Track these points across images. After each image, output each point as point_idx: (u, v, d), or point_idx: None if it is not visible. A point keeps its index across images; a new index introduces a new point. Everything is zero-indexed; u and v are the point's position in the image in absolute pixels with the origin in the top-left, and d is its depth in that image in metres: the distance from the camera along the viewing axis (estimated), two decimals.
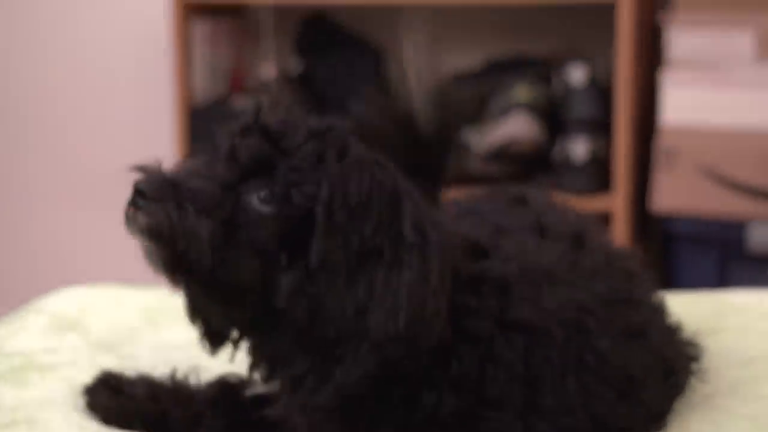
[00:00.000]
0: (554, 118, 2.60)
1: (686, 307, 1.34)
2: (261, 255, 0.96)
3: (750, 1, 2.40)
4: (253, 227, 0.96)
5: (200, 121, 2.74)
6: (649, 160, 2.57)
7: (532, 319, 1.00)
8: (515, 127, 2.56)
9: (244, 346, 1.05)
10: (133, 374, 1.15)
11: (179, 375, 1.15)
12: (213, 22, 2.83)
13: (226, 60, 2.90)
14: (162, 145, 3.02)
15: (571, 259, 1.07)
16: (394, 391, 0.98)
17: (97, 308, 1.45)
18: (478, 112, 2.66)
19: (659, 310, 1.16)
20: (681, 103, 2.43)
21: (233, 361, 1.07)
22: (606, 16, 2.57)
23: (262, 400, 1.09)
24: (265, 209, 0.96)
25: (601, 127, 2.55)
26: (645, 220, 2.61)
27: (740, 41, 2.39)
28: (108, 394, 1.13)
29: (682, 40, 2.42)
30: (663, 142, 2.44)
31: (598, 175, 2.54)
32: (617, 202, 2.51)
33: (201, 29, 2.79)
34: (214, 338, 1.07)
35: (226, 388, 1.13)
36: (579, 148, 2.54)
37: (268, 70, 2.81)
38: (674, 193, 2.44)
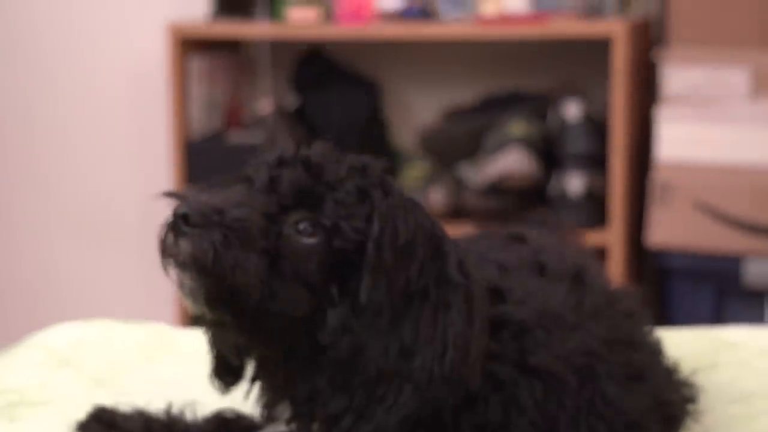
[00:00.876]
0: (550, 153, 2.61)
1: (682, 344, 1.34)
2: (308, 288, 0.94)
3: (744, 38, 2.42)
4: (298, 259, 0.94)
5: (197, 156, 2.74)
6: (644, 196, 2.58)
7: (549, 365, 1.00)
8: (511, 162, 2.57)
9: (254, 383, 1.04)
10: (128, 409, 1.14)
11: (175, 410, 1.14)
12: (210, 58, 2.84)
13: (223, 95, 2.91)
14: (158, 179, 3.02)
15: (574, 301, 1.07)
16: None
17: (91, 343, 1.44)
18: (474, 147, 2.67)
19: (657, 351, 1.17)
20: (676, 139, 2.44)
21: (246, 399, 1.06)
22: (601, 53, 2.59)
23: None
24: (309, 241, 0.94)
25: (596, 162, 2.56)
26: (640, 255, 2.62)
27: (734, 78, 2.40)
28: (101, 429, 1.12)
29: (676, 77, 2.44)
30: (658, 178, 2.45)
31: (594, 210, 2.55)
32: (613, 237, 2.51)
33: (198, 64, 2.80)
34: (228, 375, 1.06)
35: (222, 423, 1.13)
36: (574, 183, 2.54)
37: (264, 105, 2.82)
38: (669, 229, 2.44)
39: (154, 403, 1.16)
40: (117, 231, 3.15)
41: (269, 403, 1.02)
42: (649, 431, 1.07)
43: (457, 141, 2.70)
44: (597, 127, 2.58)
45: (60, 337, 1.45)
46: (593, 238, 2.51)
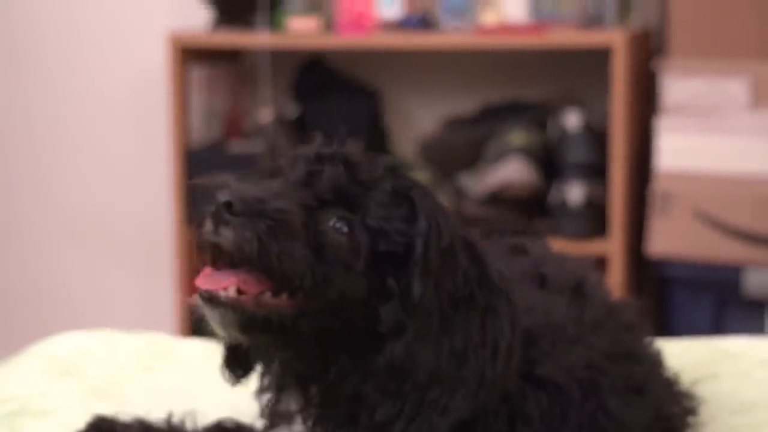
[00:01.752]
0: (550, 162, 2.61)
1: (682, 354, 1.34)
2: (357, 276, 0.93)
3: (744, 48, 2.42)
4: (340, 252, 0.93)
5: (197, 165, 2.74)
6: (644, 205, 2.58)
7: (555, 377, 1.00)
8: (511, 171, 2.57)
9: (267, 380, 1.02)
10: (128, 419, 1.14)
11: (175, 419, 1.14)
12: (210, 67, 2.85)
13: (223, 104, 2.91)
14: (159, 188, 3.02)
15: (575, 313, 1.08)
16: None
17: (92, 353, 1.44)
18: (474, 157, 2.67)
19: (657, 363, 1.17)
20: (675, 149, 2.44)
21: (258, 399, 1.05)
22: (601, 62, 2.59)
23: None
24: (348, 237, 0.93)
25: (596, 172, 2.56)
26: (640, 265, 2.62)
27: (734, 88, 2.41)
28: None
29: (676, 87, 2.44)
30: (658, 187, 2.45)
31: (594, 219, 2.55)
32: (613, 247, 2.51)
33: (198, 74, 2.80)
34: (239, 368, 1.04)
35: None
36: (574, 192, 2.55)
37: (264, 114, 2.83)
38: (669, 238, 2.44)
39: (155, 412, 1.16)
40: (118, 240, 3.15)
41: (304, 407, 0.99)
42: None
43: (457, 150, 2.70)
44: (597, 136, 2.58)
45: (61, 347, 1.45)
46: (593, 247, 2.51)
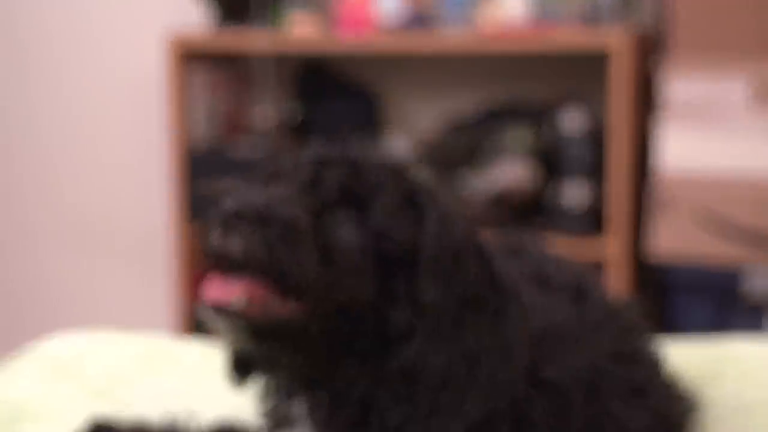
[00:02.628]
0: (549, 163, 2.61)
1: (683, 355, 1.33)
2: (366, 280, 0.93)
3: (744, 48, 2.42)
4: (347, 255, 0.93)
5: (197, 167, 2.74)
6: (644, 206, 2.58)
7: (559, 380, 1.00)
8: (511, 172, 2.57)
9: (263, 388, 1.02)
10: (128, 420, 1.14)
11: (174, 420, 1.14)
12: (210, 70, 2.85)
13: (224, 105, 2.91)
14: (159, 190, 3.02)
15: (577, 315, 1.07)
16: None
17: (91, 354, 1.44)
18: (474, 159, 2.67)
19: (658, 365, 1.16)
20: (676, 149, 2.44)
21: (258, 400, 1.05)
22: (601, 63, 2.59)
23: None
24: (355, 240, 0.93)
25: (596, 173, 2.56)
26: (641, 266, 2.61)
27: (734, 88, 2.40)
28: None
29: (676, 87, 2.44)
30: (658, 188, 2.45)
31: (594, 221, 2.55)
32: (613, 248, 2.51)
33: (199, 76, 2.80)
34: (244, 371, 1.04)
35: None
36: (574, 193, 2.54)
37: (264, 117, 2.83)
38: (670, 239, 2.44)
39: (154, 413, 1.16)
40: (117, 241, 3.15)
41: (312, 409, 0.98)
42: None
43: (458, 152, 2.70)
44: (597, 137, 2.58)
45: (60, 348, 1.45)
46: (593, 248, 2.51)
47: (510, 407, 0.97)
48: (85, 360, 1.42)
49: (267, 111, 2.83)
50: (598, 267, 2.47)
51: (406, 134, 2.92)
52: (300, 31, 2.72)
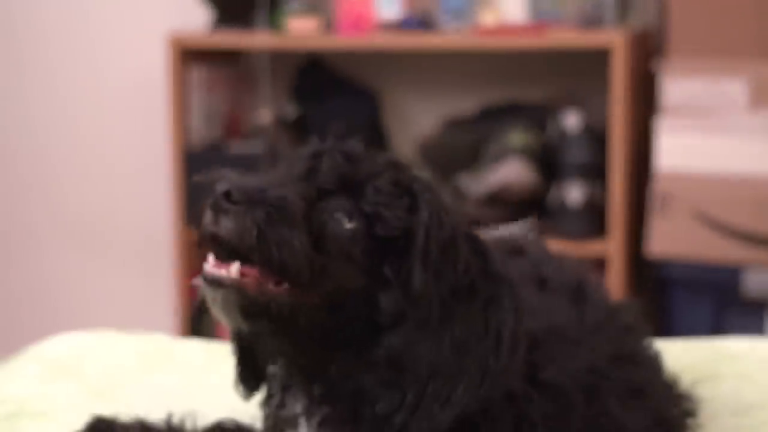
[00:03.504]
0: (549, 163, 2.61)
1: (682, 355, 1.34)
2: (356, 267, 0.93)
3: (743, 49, 2.42)
4: (340, 243, 0.92)
5: (196, 166, 2.73)
6: (643, 206, 2.58)
7: (559, 381, 1.00)
8: (510, 172, 2.57)
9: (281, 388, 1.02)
10: (128, 419, 1.14)
11: (174, 420, 1.14)
12: (210, 68, 2.85)
13: (223, 105, 2.91)
14: (158, 189, 3.02)
15: (576, 316, 1.07)
16: None
17: (91, 354, 1.44)
18: (474, 158, 2.67)
19: (657, 366, 1.17)
20: (675, 149, 2.44)
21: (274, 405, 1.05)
22: (600, 63, 2.59)
23: None
24: (349, 227, 0.93)
25: (595, 172, 2.56)
26: (640, 266, 2.62)
27: (733, 89, 2.41)
28: None
29: (676, 87, 2.44)
30: (657, 188, 2.45)
31: (593, 220, 2.55)
32: (612, 247, 2.51)
33: (198, 75, 2.80)
34: (252, 381, 1.04)
35: None
36: (574, 193, 2.55)
37: (264, 115, 2.83)
38: (669, 239, 2.44)
39: (154, 413, 1.16)
40: (117, 240, 3.15)
41: (308, 404, 0.98)
42: None
43: (457, 151, 2.70)
44: (596, 137, 2.58)
45: (60, 348, 1.45)
46: (593, 248, 2.51)
47: (509, 407, 0.97)
48: (85, 360, 1.42)
49: (266, 110, 2.83)
50: (597, 267, 2.47)
51: (405, 134, 2.92)
52: (299, 29, 2.72)
